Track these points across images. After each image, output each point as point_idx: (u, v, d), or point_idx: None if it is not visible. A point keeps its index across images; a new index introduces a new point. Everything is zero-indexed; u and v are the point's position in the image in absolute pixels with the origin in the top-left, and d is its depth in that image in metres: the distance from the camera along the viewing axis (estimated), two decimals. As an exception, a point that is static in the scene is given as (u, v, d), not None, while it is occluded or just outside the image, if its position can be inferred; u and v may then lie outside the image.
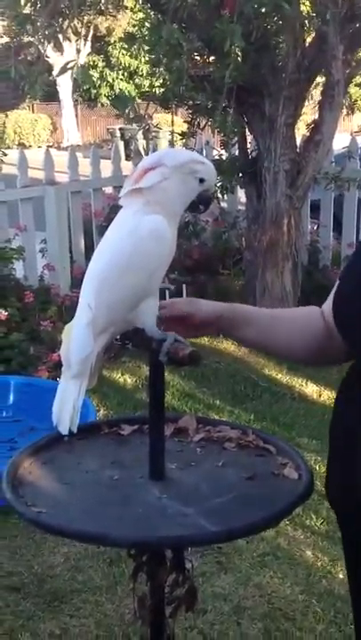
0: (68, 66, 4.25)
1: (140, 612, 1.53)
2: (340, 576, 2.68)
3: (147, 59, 5.53)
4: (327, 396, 4.23)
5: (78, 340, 1.34)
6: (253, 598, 2.61)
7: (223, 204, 6.07)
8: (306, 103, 5.29)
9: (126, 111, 4.43)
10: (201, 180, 1.41)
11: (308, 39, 4.99)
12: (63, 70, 4.35)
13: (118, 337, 1.45)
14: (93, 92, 24.17)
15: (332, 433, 1.37)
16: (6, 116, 21.88)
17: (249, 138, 5.24)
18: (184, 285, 2.35)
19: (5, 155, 5.53)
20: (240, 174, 5.11)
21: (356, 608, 1.43)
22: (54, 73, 6.84)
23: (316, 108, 5.07)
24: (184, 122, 5.36)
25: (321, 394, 4.29)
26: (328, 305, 1.46)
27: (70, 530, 1.28)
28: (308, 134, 5.08)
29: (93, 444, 1.60)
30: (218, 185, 5.27)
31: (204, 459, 1.51)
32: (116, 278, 1.36)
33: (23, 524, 3.00)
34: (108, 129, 20.87)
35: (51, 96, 21.15)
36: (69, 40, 5.09)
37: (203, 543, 1.56)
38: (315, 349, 1.46)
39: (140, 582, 1.53)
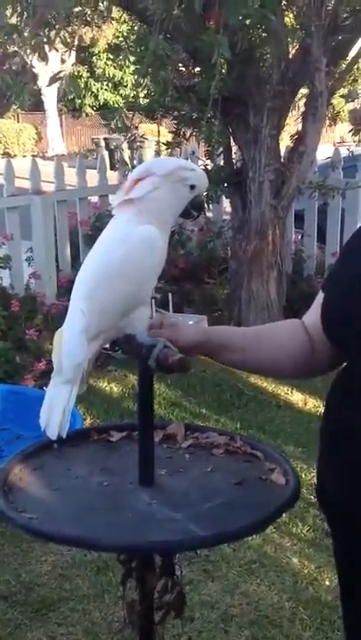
0: (58, 76, 4.26)
1: (130, 618, 1.54)
2: (327, 583, 2.69)
3: (132, 69, 5.55)
4: (312, 404, 4.26)
5: (72, 346, 1.35)
6: (240, 606, 2.62)
7: (209, 214, 6.11)
8: (290, 114, 5.35)
9: (113, 122, 4.44)
10: (192, 187, 1.42)
11: (292, 51, 5.05)
12: (53, 80, 4.36)
13: (108, 344, 1.46)
14: (78, 101, 24.21)
15: (325, 438, 1.38)
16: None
17: (234, 148, 5.28)
18: (170, 294, 2.37)
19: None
20: (225, 184, 5.15)
21: (346, 615, 1.44)
22: (39, 83, 6.86)
23: (300, 119, 5.13)
24: (169, 132, 5.40)
25: (306, 402, 4.32)
26: (310, 317, 1.47)
27: (61, 535, 1.29)
28: (292, 145, 5.13)
29: (83, 451, 1.61)
30: (204, 194, 5.30)
31: (192, 465, 1.52)
32: (107, 285, 1.36)
33: (10, 532, 3.00)
34: (92, 139, 20.90)
35: (35, 106, 21.15)
36: (56, 50, 5.11)
37: (192, 548, 1.57)
38: (301, 364, 1.47)
39: (130, 588, 1.54)
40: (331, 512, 1.40)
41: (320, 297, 1.47)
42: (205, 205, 1.49)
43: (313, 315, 1.48)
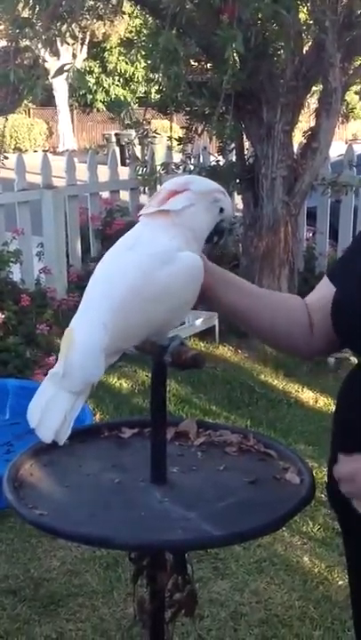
0: (65, 68, 4.25)
1: (140, 616, 1.52)
2: (338, 582, 2.67)
3: (144, 65, 5.53)
4: (323, 402, 4.24)
5: (88, 362, 1.26)
6: (250, 604, 2.60)
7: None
8: (303, 110, 5.31)
9: (122, 115, 4.41)
10: (221, 210, 1.39)
11: (306, 47, 5.02)
12: (59, 72, 4.35)
13: None
14: (89, 97, 24.20)
15: (335, 436, 1.37)
16: (6, 119, 21.88)
17: (246, 144, 5.25)
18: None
19: (7, 158, 5.54)
20: (237, 180, 5.12)
21: (357, 614, 1.43)
22: (51, 77, 6.84)
23: (313, 115, 5.10)
24: (181, 128, 5.38)
25: (317, 400, 4.30)
26: (312, 299, 1.47)
27: (73, 533, 1.28)
28: (305, 141, 5.10)
29: (94, 447, 1.60)
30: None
31: (205, 463, 1.50)
32: (140, 307, 1.28)
33: (20, 527, 3.00)
34: (103, 134, 20.88)
35: (47, 101, 21.16)
36: (67, 44, 5.09)
37: (206, 547, 1.55)
38: (296, 337, 1.44)
39: (140, 586, 1.52)
40: (341, 510, 1.39)
41: (326, 284, 1.46)
42: (227, 233, 1.45)
43: (315, 298, 1.47)
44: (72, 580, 2.75)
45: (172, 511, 1.32)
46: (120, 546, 1.31)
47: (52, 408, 1.26)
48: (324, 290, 1.45)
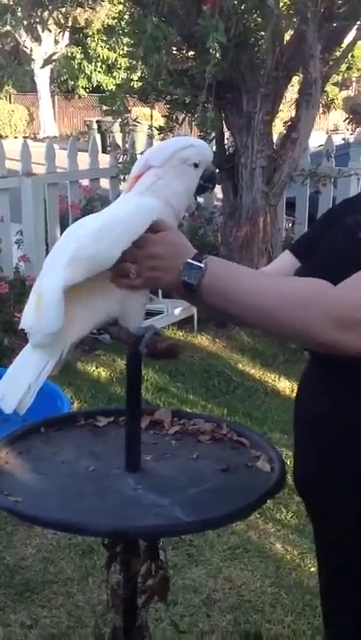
0: (53, 58, 4.23)
1: (113, 602, 1.55)
2: (310, 569, 2.72)
3: (125, 51, 5.51)
4: (299, 391, 4.27)
5: (47, 312, 1.27)
6: (223, 590, 2.64)
7: (200, 200, 6.09)
8: (283, 101, 5.33)
9: (115, 107, 4.39)
10: (196, 165, 1.36)
11: (287, 37, 5.03)
12: (48, 62, 4.33)
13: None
14: (71, 83, 24.02)
15: (294, 425, 1.42)
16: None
17: (226, 134, 5.26)
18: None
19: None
20: (217, 170, 5.13)
21: (325, 601, 1.46)
22: (33, 65, 6.80)
23: (294, 105, 5.12)
24: (162, 116, 5.37)
25: (293, 389, 4.33)
26: (270, 269, 1.53)
27: (48, 519, 1.29)
28: (285, 132, 5.12)
29: (69, 435, 1.61)
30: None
31: (178, 451, 1.53)
32: (101, 238, 1.28)
33: (-5, 515, 3.01)
34: (85, 121, 20.77)
35: (28, 87, 20.98)
36: (49, 31, 5.06)
37: (177, 533, 1.58)
38: None
39: (114, 572, 1.55)
40: (306, 495, 1.42)
41: (288, 257, 1.49)
42: (216, 175, 1.42)
43: (273, 268, 1.52)
44: (47, 567, 2.77)
45: (146, 498, 1.34)
46: (93, 532, 1.33)
47: (19, 376, 1.28)
48: (285, 261, 1.49)
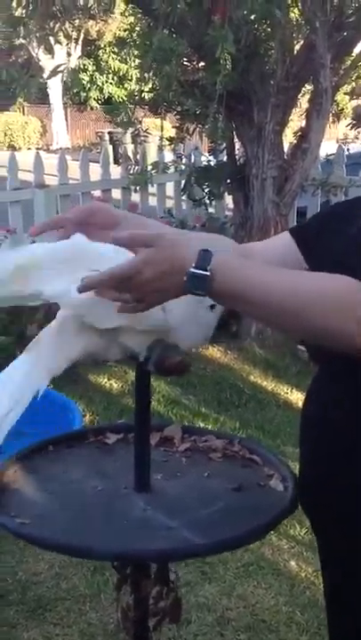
0: (59, 69, 4.24)
1: (124, 624, 1.51)
2: (325, 586, 2.67)
3: (136, 63, 5.53)
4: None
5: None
6: (237, 609, 2.60)
7: (211, 210, 6.08)
8: (294, 111, 5.31)
9: (120, 118, 4.40)
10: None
11: (297, 47, 5.01)
12: (54, 73, 4.34)
13: None
14: (83, 95, 24.14)
15: (301, 431, 1.39)
16: (-3, 118, 21.88)
17: (237, 144, 5.25)
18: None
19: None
20: (228, 180, 5.12)
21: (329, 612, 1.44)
22: (45, 76, 6.83)
23: (304, 115, 5.10)
24: (173, 127, 5.36)
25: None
26: (259, 247, 1.45)
27: (54, 543, 1.26)
28: (295, 142, 5.10)
29: (78, 453, 1.58)
30: (206, 191, 5.28)
31: (189, 469, 1.49)
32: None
33: (6, 530, 2.98)
34: (97, 132, 20.85)
35: (41, 99, 21.11)
36: (60, 43, 5.08)
37: (187, 557, 1.54)
38: None
39: (124, 593, 1.51)
40: (312, 513, 1.40)
41: (288, 241, 1.40)
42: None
43: (264, 246, 1.46)
44: (60, 583, 2.74)
45: (155, 519, 1.31)
46: (100, 556, 1.30)
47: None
48: (284, 242, 1.41)
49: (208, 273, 1.08)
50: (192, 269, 1.08)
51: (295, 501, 1.37)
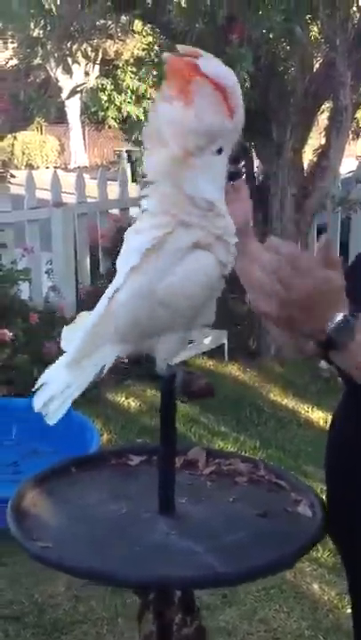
0: (78, 89, 4.26)
1: (146, 652, 1.47)
2: (348, 611, 2.60)
3: (154, 82, 5.57)
4: (334, 423, 4.18)
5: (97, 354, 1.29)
6: (259, 633, 2.54)
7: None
8: (313, 128, 5.31)
9: (134, 136, 4.42)
10: (219, 151, 1.20)
11: (316, 65, 5.01)
12: (73, 93, 4.37)
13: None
14: (101, 114, 24.33)
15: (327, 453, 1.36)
16: (15, 138, 22.04)
17: (256, 162, 5.24)
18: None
19: (13, 176, 5.55)
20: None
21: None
22: (63, 95, 6.89)
23: (324, 133, 5.09)
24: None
25: (327, 420, 4.23)
26: None
27: (75, 568, 1.24)
28: (315, 159, 5.08)
29: (100, 476, 1.56)
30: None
31: (214, 493, 1.46)
32: (142, 306, 1.24)
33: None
34: (114, 151, 20.97)
35: (59, 118, 21.30)
36: (78, 63, 5.11)
37: (212, 585, 1.50)
38: None
39: (147, 620, 1.48)
40: (341, 542, 1.36)
41: None
42: (246, 149, 1.22)
43: None
44: (77, 606, 2.70)
45: (179, 544, 1.28)
46: (122, 583, 1.27)
47: (50, 382, 1.34)
48: None
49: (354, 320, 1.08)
50: (346, 315, 1.08)
51: (324, 528, 1.33)
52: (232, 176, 1.25)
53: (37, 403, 1.33)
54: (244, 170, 1.31)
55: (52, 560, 1.26)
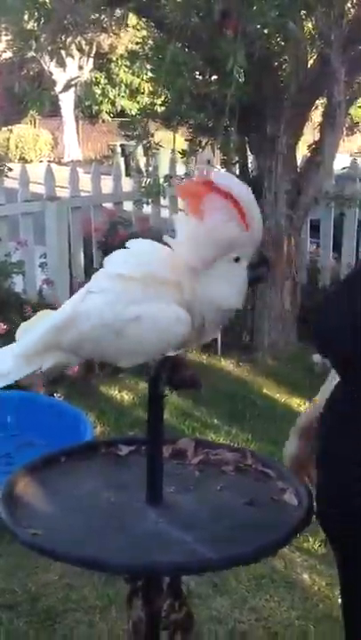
0: (72, 82, 4.26)
1: (135, 638, 1.50)
2: (339, 600, 2.64)
3: (148, 76, 5.57)
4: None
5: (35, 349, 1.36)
6: (249, 622, 2.58)
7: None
8: (307, 124, 5.32)
9: (134, 133, 4.42)
10: (236, 260, 1.27)
11: (311, 61, 5.02)
12: (67, 87, 4.37)
13: None
14: (95, 108, 24.26)
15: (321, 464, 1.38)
16: (10, 131, 21.99)
17: (250, 157, 5.25)
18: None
19: (11, 170, 5.56)
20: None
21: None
22: (57, 89, 6.87)
23: (318, 128, 5.10)
24: (185, 140, 5.37)
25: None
26: None
27: (66, 555, 1.26)
28: (309, 155, 5.10)
29: (91, 465, 1.58)
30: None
31: (202, 482, 1.49)
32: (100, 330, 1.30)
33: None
34: (108, 145, 20.94)
35: (52, 112, 21.23)
36: (72, 57, 5.11)
37: (200, 571, 1.53)
38: None
39: (135, 606, 1.50)
40: (334, 535, 1.39)
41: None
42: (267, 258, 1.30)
43: None
44: (70, 594, 2.72)
45: (168, 533, 1.30)
46: (112, 569, 1.30)
47: None
48: None
49: None
50: None
51: (309, 516, 1.36)
52: (253, 281, 1.31)
53: None
54: (264, 274, 1.35)
55: (43, 547, 1.28)
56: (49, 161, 16.99)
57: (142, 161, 6.00)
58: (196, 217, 1.23)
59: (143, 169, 5.53)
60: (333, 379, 1.53)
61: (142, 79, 20.75)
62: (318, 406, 1.61)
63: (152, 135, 4.98)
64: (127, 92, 23.75)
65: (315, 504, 1.41)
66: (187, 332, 1.27)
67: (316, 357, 4.42)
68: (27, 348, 1.36)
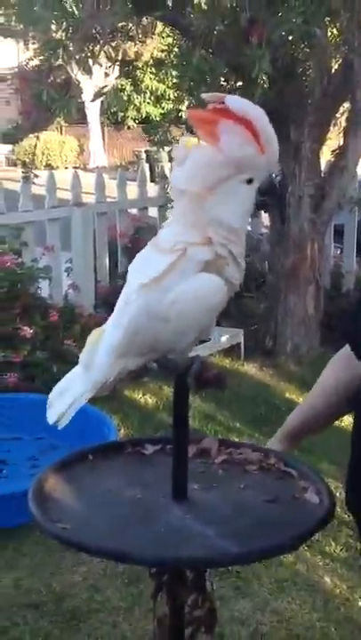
0: (103, 90, 4.33)
1: (160, 633, 1.53)
2: (360, 603, 2.66)
3: (173, 83, 5.62)
4: (348, 421, 4.20)
5: (102, 362, 1.37)
6: (271, 624, 2.60)
7: (247, 227, 6.10)
8: (331, 129, 5.34)
9: (157, 137, 4.47)
10: (249, 181, 1.25)
11: (335, 66, 5.04)
12: (98, 95, 4.43)
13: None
14: (120, 114, 24.42)
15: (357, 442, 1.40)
16: (37, 138, 22.21)
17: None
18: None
19: (37, 176, 5.64)
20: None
21: None
22: (83, 96, 6.96)
23: (341, 133, 5.12)
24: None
25: (342, 419, 4.27)
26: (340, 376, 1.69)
27: (94, 547, 1.30)
28: (332, 160, 5.12)
29: (117, 463, 1.62)
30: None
31: (225, 480, 1.52)
32: (147, 324, 1.31)
33: (43, 541, 3.03)
34: (133, 151, 21.08)
35: (79, 118, 21.41)
36: (99, 64, 5.18)
37: (223, 564, 1.56)
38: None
39: (160, 602, 1.54)
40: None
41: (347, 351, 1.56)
42: (276, 185, 1.30)
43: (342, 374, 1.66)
44: (94, 595, 2.76)
45: (192, 528, 1.33)
46: (138, 561, 1.33)
47: (65, 393, 1.42)
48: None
49: None
50: None
51: (330, 514, 1.38)
52: (260, 206, 1.30)
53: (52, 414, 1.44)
54: (270, 201, 1.36)
55: (71, 540, 1.32)
56: (75, 167, 17.15)
57: (167, 166, 6.05)
58: (210, 141, 1.22)
59: (168, 174, 5.58)
60: (321, 382, 1.61)
61: (167, 86, 20.87)
62: (305, 410, 1.67)
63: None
64: (152, 98, 23.89)
65: (344, 492, 1.44)
66: (224, 290, 1.29)
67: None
68: (99, 370, 1.37)
